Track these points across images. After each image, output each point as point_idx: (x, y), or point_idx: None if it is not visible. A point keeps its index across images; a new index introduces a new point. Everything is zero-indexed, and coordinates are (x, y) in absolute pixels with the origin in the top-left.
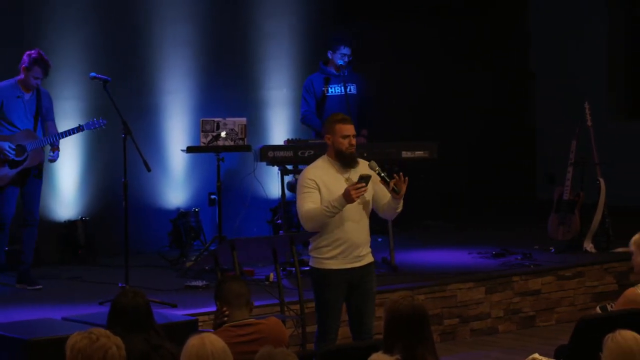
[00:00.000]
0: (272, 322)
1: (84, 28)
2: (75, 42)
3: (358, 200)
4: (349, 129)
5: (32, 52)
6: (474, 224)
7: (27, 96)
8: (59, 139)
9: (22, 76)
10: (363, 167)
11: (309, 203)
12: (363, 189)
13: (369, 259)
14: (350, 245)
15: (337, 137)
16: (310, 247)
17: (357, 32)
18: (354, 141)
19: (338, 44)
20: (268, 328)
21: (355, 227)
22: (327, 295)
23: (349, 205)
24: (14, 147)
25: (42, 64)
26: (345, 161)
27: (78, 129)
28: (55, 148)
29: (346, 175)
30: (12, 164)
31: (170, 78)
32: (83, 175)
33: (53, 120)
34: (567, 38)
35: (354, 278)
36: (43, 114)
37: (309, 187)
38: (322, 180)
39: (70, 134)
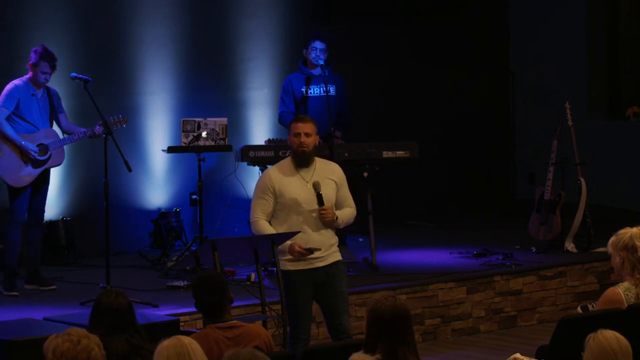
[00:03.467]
0: (256, 326)
1: (65, 28)
2: (56, 42)
3: (313, 212)
4: (301, 127)
5: (38, 47)
6: (455, 224)
7: (39, 94)
8: (81, 138)
9: (30, 74)
10: (324, 168)
11: (259, 212)
12: (305, 254)
13: (334, 258)
14: (311, 245)
15: (290, 136)
16: None
17: (334, 32)
18: (306, 139)
19: (310, 39)
20: (253, 331)
21: (314, 235)
22: (292, 296)
23: (305, 216)
24: (36, 146)
25: (49, 58)
26: (297, 160)
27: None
28: (97, 134)
29: (304, 175)
30: (35, 164)
31: (151, 78)
32: (64, 176)
33: (64, 112)
34: (546, 37)
35: (317, 278)
36: (56, 112)
37: (263, 194)
38: (279, 182)
39: (85, 136)
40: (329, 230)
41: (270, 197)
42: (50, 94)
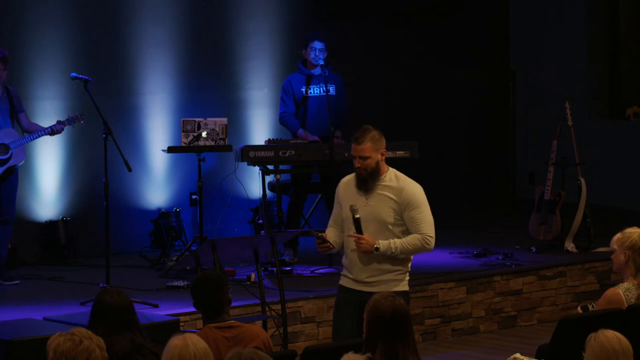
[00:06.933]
0: (255, 327)
1: (65, 28)
2: (56, 42)
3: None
4: (355, 149)
5: None
6: (455, 224)
7: None
8: (39, 136)
9: None
10: (390, 186)
11: (330, 220)
12: (322, 245)
13: (388, 286)
14: (355, 266)
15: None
16: None
17: (335, 32)
18: (362, 163)
19: (308, 39)
20: (252, 331)
21: (355, 254)
22: (334, 309)
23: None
24: None
25: (3, 58)
26: (356, 180)
27: (61, 124)
28: (55, 132)
29: (364, 190)
30: None
31: (151, 78)
32: (64, 176)
33: (24, 111)
34: (546, 37)
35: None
36: (16, 112)
37: (335, 202)
38: (343, 193)
39: (45, 133)
40: (384, 255)
41: (338, 206)
42: (10, 94)
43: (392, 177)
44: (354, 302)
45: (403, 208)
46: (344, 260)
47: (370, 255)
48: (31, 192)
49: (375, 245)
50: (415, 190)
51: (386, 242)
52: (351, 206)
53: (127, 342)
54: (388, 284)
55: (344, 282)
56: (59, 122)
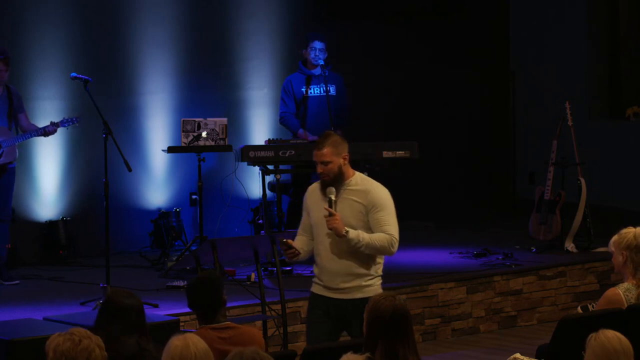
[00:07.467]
0: (251, 328)
1: (64, 28)
2: (56, 42)
3: (329, 235)
4: (316, 155)
5: None
6: (455, 224)
7: None
8: (32, 136)
9: None
10: (355, 190)
11: (299, 229)
12: (288, 251)
13: (360, 293)
14: (325, 273)
15: None
16: None
17: (335, 32)
18: (324, 169)
19: (309, 39)
20: (247, 333)
21: (327, 261)
22: (307, 315)
23: (321, 239)
24: None
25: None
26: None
27: (54, 125)
28: (48, 133)
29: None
30: None
31: (151, 78)
32: (64, 176)
33: (24, 112)
34: (546, 37)
35: (338, 310)
36: (15, 111)
37: (303, 211)
38: (310, 200)
39: (37, 134)
40: (355, 260)
41: (306, 213)
42: (11, 93)
43: (358, 180)
44: (323, 309)
45: (369, 210)
46: (315, 268)
47: (340, 261)
48: (31, 192)
49: (345, 229)
50: (381, 193)
51: (355, 231)
52: (328, 189)
53: (134, 344)
54: (360, 290)
55: (314, 288)
56: (52, 124)
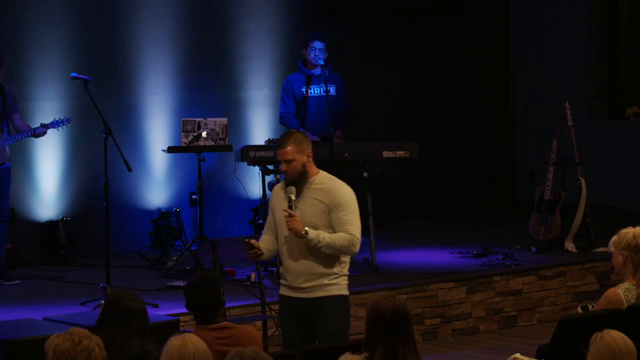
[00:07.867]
0: (249, 328)
1: (64, 28)
2: (56, 42)
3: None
4: (279, 154)
5: None
6: (455, 224)
7: None
8: (22, 138)
9: None
10: (318, 189)
11: (265, 228)
12: (250, 251)
13: (322, 292)
14: (290, 272)
15: None
16: None
17: (335, 32)
18: (287, 167)
19: (308, 39)
20: (245, 332)
21: (289, 262)
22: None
23: (283, 239)
24: None
25: None
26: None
27: (44, 127)
28: (39, 134)
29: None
30: None
31: (151, 78)
32: (64, 176)
33: (19, 112)
34: (546, 37)
35: (303, 310)
36: (9, 111)
37: (269, 211)
38: (274, 201)
39: (27, 135)
40: (317, 259)
41: (271, 213)
42: (5, 93)
43: (322, 179)
44: (289, 310)
45: (331, 209)
46: (280, 268)
47: (302, 261)
48: (31, 192)
49: (305, 229)
50: (344, 191)
51: (315, 232)
52: (288, 188)
53: (138, 346)
54: (324, 289)
55: (281, 290)
56: (42, 125)
